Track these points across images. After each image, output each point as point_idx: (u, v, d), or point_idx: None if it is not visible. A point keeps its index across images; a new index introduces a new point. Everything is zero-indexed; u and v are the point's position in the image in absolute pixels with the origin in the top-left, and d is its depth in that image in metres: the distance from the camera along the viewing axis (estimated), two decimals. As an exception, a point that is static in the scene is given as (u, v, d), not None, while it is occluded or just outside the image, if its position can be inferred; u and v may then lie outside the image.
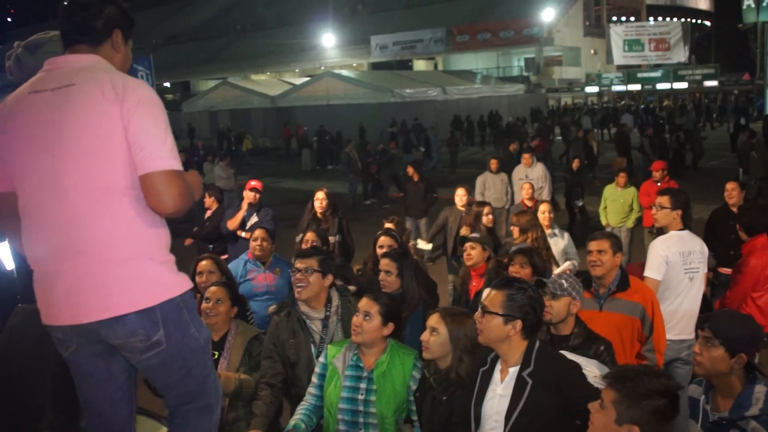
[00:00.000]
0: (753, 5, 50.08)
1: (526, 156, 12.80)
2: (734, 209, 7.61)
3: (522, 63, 55.75)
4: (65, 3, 2.68)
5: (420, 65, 62.22)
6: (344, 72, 51.07)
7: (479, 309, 3.34)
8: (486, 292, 3.39)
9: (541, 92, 51.72)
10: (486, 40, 53.98)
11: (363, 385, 3.81)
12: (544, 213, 7.62)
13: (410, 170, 13.44)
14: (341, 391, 3.82)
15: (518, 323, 3.21)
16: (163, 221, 2.69)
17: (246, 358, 4.37)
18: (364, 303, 3.86)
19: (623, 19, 65.01)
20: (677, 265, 5.36)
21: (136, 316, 2.55)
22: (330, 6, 61.80)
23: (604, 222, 11.45)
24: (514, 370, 3.24)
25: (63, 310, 2.58)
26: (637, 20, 63.35)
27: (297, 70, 63.86)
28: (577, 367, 3.25)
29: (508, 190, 12.63)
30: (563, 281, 4.04)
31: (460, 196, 9.56)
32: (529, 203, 9.77)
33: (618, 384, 2.65)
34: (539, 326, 3.35)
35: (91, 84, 2.54)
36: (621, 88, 49.91)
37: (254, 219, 8.47)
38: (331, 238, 7.98)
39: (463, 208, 9.37)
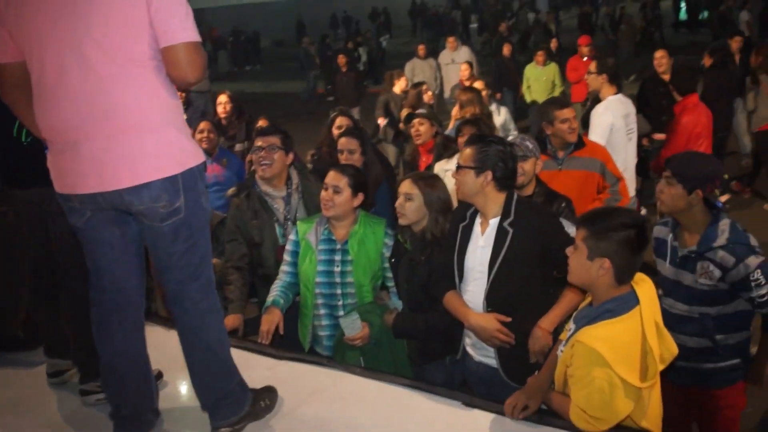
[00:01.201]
0: None
1: (450, 39, 13.10)
2: (664, 77, 7.87)
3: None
4: None
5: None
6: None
7: (455, 167, 3.41)
8: (463, 151, 3.44)
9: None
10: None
11: (338, 257, 3.88)
12: (482, 91, 7.74)
13: (341, 60, 13.30)
14: (317, 265, 3.88)
15: (489, 173, 3.30)
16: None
17: (214, 243, 4.36)
18: (332, 177, 3.87)
19: None
20: (621, 128, 5.64)
21: (161, 182, 2.62)
22: None
23: (528, 100, 11.72)
24: (494, 221, 3.35)
25: (88, 178, 2.61)
26: None
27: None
28: (555, 216, 3.38)
29: (437, 75, 12.71)
30: (527, 143, 4.14)
31: (399, 81, 9.65)
32: (467, 83, 9.84)
33: (587, 222, 2.76)
34: (512, 178, 3.43)
35: None
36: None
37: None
38: (238, 146, 7.63)
39: (401, 94, 9.46)
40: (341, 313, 3.86)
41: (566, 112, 4.85)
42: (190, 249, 2.79)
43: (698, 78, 6.35)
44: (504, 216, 3.33)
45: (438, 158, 5.73)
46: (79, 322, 3.24)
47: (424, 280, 3.66)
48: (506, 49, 13.08)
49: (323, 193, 3.87)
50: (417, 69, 12.59)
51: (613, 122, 5.66)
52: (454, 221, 3.56)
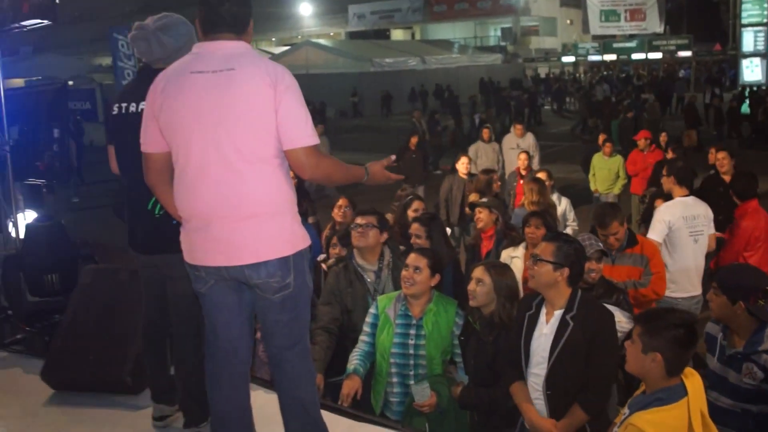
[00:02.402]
0: (727, -24, 50.71)
1: (518, 126, 13.30)
2: (725, 177, 8.18)
3: (499, 33, 56.14)
4: None
5: (397, 35, 62.23)
6: (322, 41, 51.04)
7: (531, 258, 3.83)
8: (541, 244, 3.87)
9: (519, 62, 52.09)
10: (463, 9, 54.17)
11: (413, 332, 4.30)
12: (546, 181, 8.16)
13: (414, 140, 13.83)
14: (393, 337, 4.31)
15: (566, 270, 3.69)
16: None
17: None
18: (413, 258, 4.34)
19: (598, -12, 65.43)
20: (681, 228, 5.99)
21: (277, 261, 3.10)
22: (307, -26, 61.55)
23: (593, 188, 12.05)
24: (558, 313, 3.73)
25: (216, 254, 3.10)
26: (612, -10, 63.77)
27: (273, 39, 63.53)
28: (612, 318, 3.78)
29: (500, 159, 13.05)
30: (600, 244, 4.62)
31: (464, 164, 10.09)
32: (523, 172, 10.26)
33: (643, 320, 3.17)
34: (581, 276, 3.84)
35: (252, 69, 3.01)
36: (597, 57, 50.42)
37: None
38: (311, 219, 7.87)
39: (465, 176, 9.92)
40: (412, 382, 4.25)
41: (614, 227, 5.35)
42: (293, 319, 3.27)
43: (757, 183, 6.61)
44: (567, 309, 3.71)
45: (498, 244, 6.18)
46: (188, 372, 3.74)
47: (490, 359, 4.05)
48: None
49: (404, 272, 4.33)
50: (480, 151, 12.92)
51: (672, 221, 5.99)
52: (521, 310, 3.95)
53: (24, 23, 5.72)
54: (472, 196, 8.23)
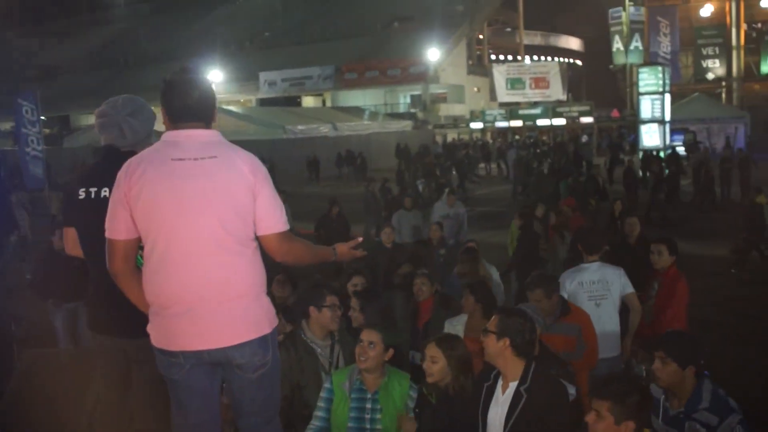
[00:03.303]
0: (622, 48, 53.70)
1: (451, 196, 13.35)
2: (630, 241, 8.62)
3: (408, 100, 57.46)
4: (180, 87, 3.14)
5: (308, 101, 63.01)
6: (233, 108, 51.04)
7: (483, 330, 3.93)
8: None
9: (428, 128, 53.27)
10: (374, 77, 55.38)
11: (368, 405, 4.32)
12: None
13: (335, 209, 13.57)
14: (350, 412, 4.31)
15: (506, 340, 3.81)
16: None
17: None
18: (367, 334, 4.36)
19: (502, 57, 68.13)
20: (578, 293, 6.17)
21: (258, 340, 3.20)
22: (217, 42, 61.87)
23: (510, 252, 12.17)
24: (513, 385, 3.83)
25: (200, 337, 3.11)
26: (515, 59, 66.51)
27: (183, 105, 63.00)
28: (565, 391, 3.89)
29: (422, 228, 12.89)
30: (537, 316, 4.70)
31: (387, 234, 10.15)
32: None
33: (605, 393, 3.29)
34: (530, 347, 3.93)
35: (230, 157, 3.13)
36: (504, 124, 52.05)
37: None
38: None
39: (389, 245, 9.96)
40: None
41: (537, 294, 5.39)
42: (269, 396, 3.37)
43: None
44: (521, 381, 3.81)
45: (438, 315, 6.22)
46: None
47: (446, 428, 4.08)
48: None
49: (358, 348, 4.35)
50: (402, 220, 12.73)
51: (567, 287, 6.14)
52: (479, 380, 4.03)
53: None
54: (404, 267, 8.28)
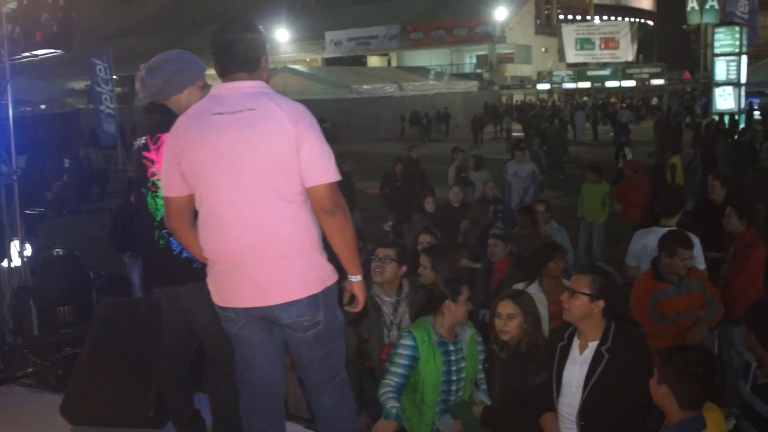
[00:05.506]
0: (697, 7, 51.93)
1: (518, 153, 12.99)
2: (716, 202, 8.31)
3: (474, 60, 56.72)
4: (224, 38, 3.10)
5: (374, 61, 62.62)
6: (299, 67, 51.15)
7: (567, 291, 3.86)
8: (575, 278, 3.91)
9: (494, 89, 52.62)
10: (440, 37, 54.83)
11: (453, 357, 4.30)
12: (540, 211, 8.18)
13: (399, 166, 13.20)
14: (442, 365, 4.25)
15: (601, 302, 3.74)
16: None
17: None
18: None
19: (571, 17, 66.53)
20: (641, 255, 5.95)
21: (306, 300, 3.09)
22: (284, 1, 61.84)
23: (579, 214, 11.97)
24: (593, 344, 3.77)
25: (246, 295, 3.08)
26: (584, 19, 64.91)
27: (250, 65, 63.44)
28: (648, 353, 3.79)
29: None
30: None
31: (455, 193, 10.12)
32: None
33: (662, 353, 3.26)
34: (615, 308, 3.87)
35: (272, 108, 2.99)
36: (571, 85, 51.07)
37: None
38: None
39: (457, 204, 9.92)
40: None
41: (688, 253, 5.24)
42: (327, 354, 3.26)
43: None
44: (603, 341, 3.75)
45: (513, 275, 6.18)
46: (220, 403, 3.72)
47: (517, 386, 4.05)
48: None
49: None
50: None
51: (646, 245, 5.96)
52: (552, 341, 3.99)
53: (36, 52, 5.68)
54: (464, 223, 8.23)
